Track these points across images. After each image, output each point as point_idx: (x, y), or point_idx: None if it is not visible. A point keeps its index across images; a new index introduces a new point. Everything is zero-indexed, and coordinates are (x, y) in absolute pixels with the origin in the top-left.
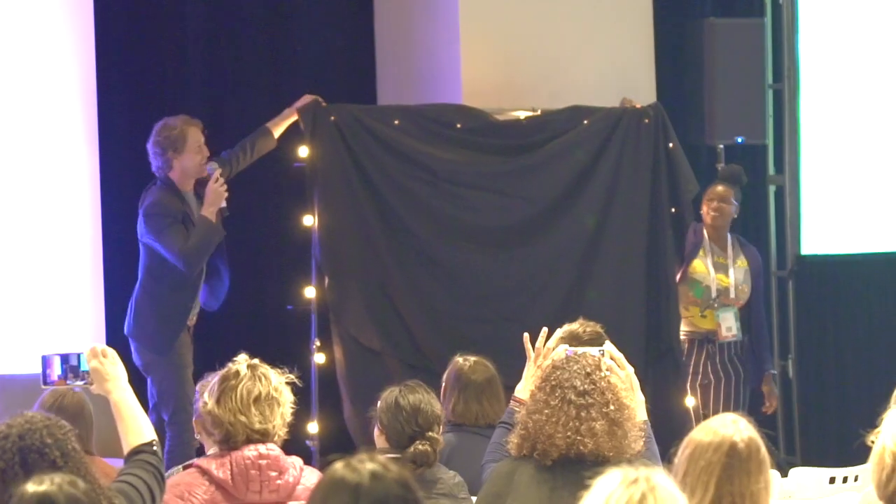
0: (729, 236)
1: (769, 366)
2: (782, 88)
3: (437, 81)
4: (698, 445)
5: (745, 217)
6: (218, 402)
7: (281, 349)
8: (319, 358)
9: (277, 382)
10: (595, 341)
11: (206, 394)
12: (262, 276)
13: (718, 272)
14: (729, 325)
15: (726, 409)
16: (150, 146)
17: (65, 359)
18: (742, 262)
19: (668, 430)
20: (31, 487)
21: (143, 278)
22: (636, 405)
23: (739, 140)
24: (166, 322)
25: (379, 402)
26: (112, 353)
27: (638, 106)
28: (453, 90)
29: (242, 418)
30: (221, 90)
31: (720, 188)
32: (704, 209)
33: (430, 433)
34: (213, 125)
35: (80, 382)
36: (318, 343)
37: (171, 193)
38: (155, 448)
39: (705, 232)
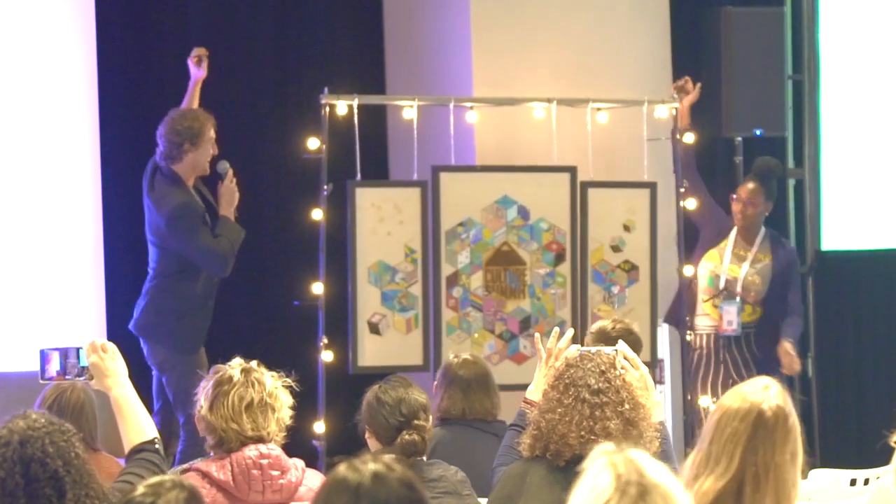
0: (763, 230)
1: (789, 335)
2: (802, 79)
3: (447, 71)
4: (726, 412)
5: None
6: (211, 408)
7: (287, 346)
8: (327, 356)
9: (272, 387)
10: (624, 339)
11: (202, 397)
12: (269, 271)
13: (733, 262)
14: (730, 319)
15: None
16: (163, 132)
17: (64, 353)
18: (763, 257)
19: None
20: None
21: (163, 280)
22: (651, 405)
23: (758, 132)
24: (197, 321)
25: (362, 406)
26: (112, 348)
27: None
28: (464, 80)
29: (234, 426)
30: (226, 83)
31: (749, 186)
32: (732, 206)
33: (416, 421)
34: (218, 118)
35: (79, 378)
36: (325, 340)
37: (184, 189)
38: (157, 446)
39: (735, 228)
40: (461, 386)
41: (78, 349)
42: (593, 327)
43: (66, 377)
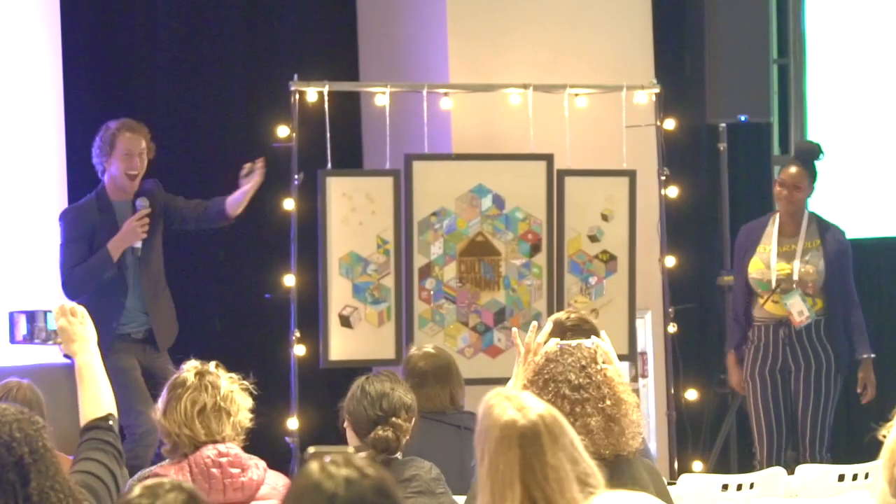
0: (807, 215)
1: (863, 350)
2: (788, 63)
3: (423, 58)
4: (493, 447)
5: (749, 199)
6: (164, 413)
7: (259, 340)
8: (299, 350)
9: (227, 390)
10: (578, 328)
11: (159, 401)
12: (239, 263)
13: (781, 260)
14: (800, 310)
15: (807, 399)
16: (92, 147)
17: (31, 317)
18: (813, 244)
19: None
20: None
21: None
22: (634, 401)
23: (742, 118)
24: (99, 331)
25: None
26: (82, 312)
27: None
28: (440, 67)
29: (187, 431)
30: (193, 69)
31: (792, 171)
32: (777, 192)
33: (394, 419)
34: (185, 106)
35: (47, 343)
36: (297, 334)
37: (96, 202)
38: (111, 423)
39: (777, 218)
40: (416, 379)
41: (46, 312)
42: (552, 318)
43: (34, 341)
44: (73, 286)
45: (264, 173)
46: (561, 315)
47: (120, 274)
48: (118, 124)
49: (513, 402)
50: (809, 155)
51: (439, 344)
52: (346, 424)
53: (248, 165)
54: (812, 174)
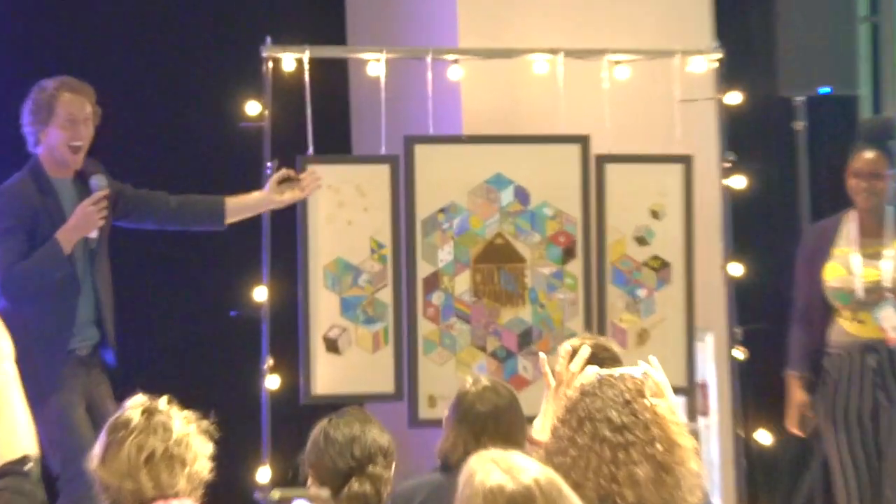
0: (889, 210)
1: None
2: (879, 22)
3: (425, 16)
4: None
5: (835, 189)
6: (103, 460)
7: (223, 369)
8: (273, 381)
9: (181, 433)
10: (595, 357)
11: (96, 445)
12: (200, 272)
13: (868, 266)
14: (894, 324)
15: None
16: (22, 112)
17: None
18: None
19: None
20: None
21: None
22: (691, 445)
23: (824, 91)
24: (46, 349)
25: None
26: None
27: None
28: (447, 28)
29: (130, 484)
30: (144, 31)
31: (868, 157)
32: (852, 185)
33: (371, 468)
34: (135, 75)
35: None
36: (270, 361)
37: (32, 181)
38: (27, 467)
39: (854, 216)
40: (473, 426)
41: None
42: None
43: None
44: (15, 290)
45: (315, 189)
46: (574, 342)
47: (71, 271)
48: (56, 84)
49: (500, 465)
50: (883, 134)
51: (450, 373)
52: (310, 481)
53: (285, 172)
54: (891, 158)
